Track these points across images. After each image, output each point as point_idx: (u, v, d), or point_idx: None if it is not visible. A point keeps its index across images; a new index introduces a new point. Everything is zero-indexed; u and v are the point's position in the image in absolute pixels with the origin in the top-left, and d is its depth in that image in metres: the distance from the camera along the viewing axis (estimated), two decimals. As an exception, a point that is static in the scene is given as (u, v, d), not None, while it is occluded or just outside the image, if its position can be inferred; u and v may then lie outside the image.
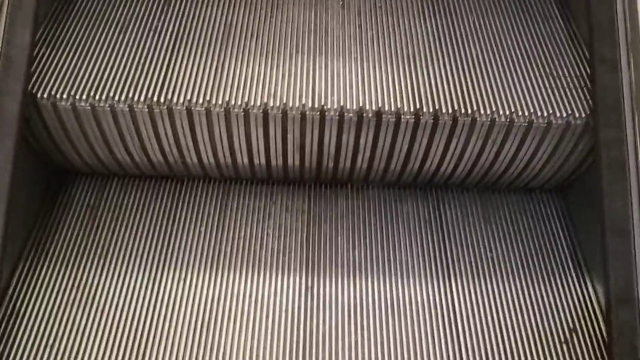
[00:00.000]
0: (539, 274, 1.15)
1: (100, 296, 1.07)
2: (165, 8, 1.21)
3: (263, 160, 1.16)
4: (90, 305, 1.06)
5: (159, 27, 1.17)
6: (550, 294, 1.12)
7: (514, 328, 1.07)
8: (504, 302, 1.10)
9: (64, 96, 1.03)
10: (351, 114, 1.05)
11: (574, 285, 1.13)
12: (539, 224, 1.23)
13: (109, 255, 1.13)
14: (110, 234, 1.16)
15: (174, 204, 1.22)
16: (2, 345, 1.00)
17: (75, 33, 1.15)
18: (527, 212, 1.24)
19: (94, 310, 1.05)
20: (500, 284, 1.13)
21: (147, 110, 1.03)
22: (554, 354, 1.04)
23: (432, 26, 1.22)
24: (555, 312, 1.09)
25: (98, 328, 1.03)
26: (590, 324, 1.08)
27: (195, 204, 1.22)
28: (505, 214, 1.24)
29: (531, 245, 1.19)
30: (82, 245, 1.14)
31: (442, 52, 1.17)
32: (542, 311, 1.09)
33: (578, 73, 1.13)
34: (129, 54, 1.11)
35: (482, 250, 1.17)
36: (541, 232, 1.21)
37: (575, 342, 1.06)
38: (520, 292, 1.12)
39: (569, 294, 1.12)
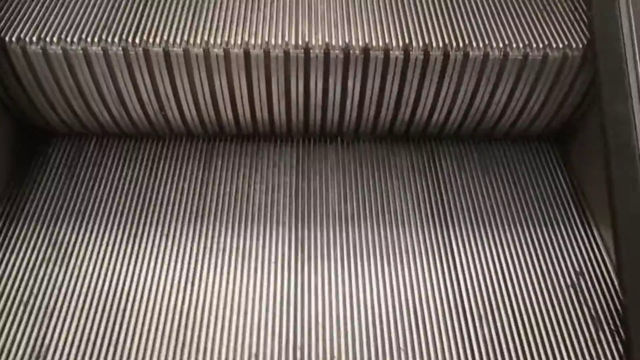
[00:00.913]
0: (541, 219, 1.09)
1: (79, 253, 1.02)
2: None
3: (247, 110, 1.11)
4: (67, 262, 1.00)
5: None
6: (554, 239, 1.06)
7: (517, 274, 1.01)
8: (506, 249, 1.05)
9: (34, 39, 0.98)
10: (337, 51, 0.99)
11: (578, 229, 1.08)
12: (539, 171, 1.18)
13: (87, 213, 1.07)
14: (88, 191, 1.11)
15: (155, 161, 1.17)
16: (-26, 302, 0.94)
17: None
18: (526, 161, 1.19)
19: (71, 267, 1.00)
20: (502, 231, 1.07)
21: (121, 52, 0.98)
22: (560, 299, 0.98)
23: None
24: (560, 257, 1.04)
25: (76, 285, 0.97)
26: (597, 266, 1.03)
27: (178, 161, 1.17)
28: (504, 162, 1.19)
29: (532, 193, 1.14)
30: (59, 203, 1.09)
31: (431, -11, 1.11)
32: (546, 256, 1.04)
33: (573, 7, 1.08)
34: (103, -2, 1.06)
35: (480, 198, 1.12)
36: (542, 179, 1.16)
37: (583, 285, 1.00)
38: (522, 238, 1.06)
39: (573, 238, 1.07)
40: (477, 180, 1.15)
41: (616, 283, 0.99)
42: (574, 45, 1.01)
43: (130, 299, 0.96)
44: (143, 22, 1.02)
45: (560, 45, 1.01)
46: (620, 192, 0.92)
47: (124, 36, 0.99)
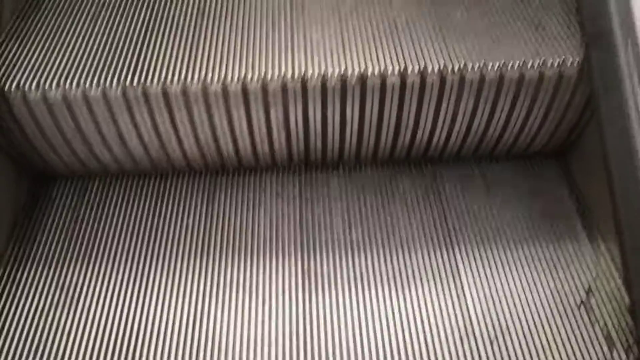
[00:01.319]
0: (547, 237, 1.09)
1: (86, 296, 1.01)
2: (136, -4, 1.18)
3: (248, 144, 1.11)
4: (75, 306, 1.00)
5: (130, 13, 1.13)
6: (561, 257, 1.06)
7: (526, 294, 1.01)
8: (513, 269, 1.04)
9: (33, 86, 0.98)
10: (334, 81, 1.00)
11: (585, 246, 1.08)
12: (543, 189, 1.17)
13: (93, 254, 1.07)
14: (93, 233, 1.11)
15: (159, 198, 1.17)
16: (-17, 351, 0.94)
17: (44, 26, 1.11)
18: (529, 178, 1.19)
19: (79, 310, 0.99)
20: (508, 251, 1.07)
21: (121, 94, 0.99)
22: (571, 318, 0.98)
23: (411, -7, 1.18)
24: (568, 275, 1.03)
25: (84, 329, 0.97)
26: (607, 283, 1.02)
27: (181, 199, 1.17)
28: (507, 182, 1.19)
29: (537, 211, 1.13)
30: (65, 246, 1.09)
31: (425, 16, 1.12)
32: (554, 274, 1.03)
33: (567, 20, 1.09)
34: (101, 40, 1.07)
35: (484, 218, 1.12)
36: (546, 197, 1.16)
37: (593, 303, 0.99)
38: (529, 257, 1.06)
39: (580, 255, 1.06)
40: (481, 200, 1.15)
41: (627, 299, 0.98)
42: (569, 62, 1.01)
43: (140, 339, 0.96)
44: (141, 61, 1.02)
45: (556, 63, 1.01)
46: (625, 206, 0.91)
47: (122, 77, 0.99)
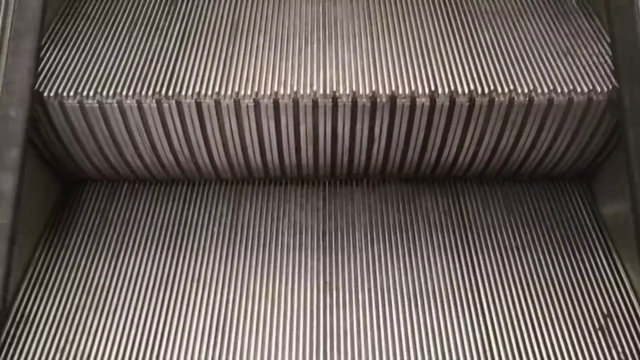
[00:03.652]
0: (567, 261, 1.10)
1: (112, 299, 1.04)
2: (172, 8, 1.20)
3: (276, 156, 1.13)
4: (102, 308, 1.03)
5: (165, 27, 1.15)
6: (580, 280, 1.07)
7: (545, 317, 1.01)
8: (532, 291, 1.05)
9: (71, 94, 1.01)
10: (364, 100, 1.02)
11: (605, 271, 1.08)
12: (564, 212, 1.18)
13: (120, 258, 1.10)
14: (121, 236, 1.13)
15: (186, 206, 1.19)
16: (12, 350, 0.97)
17: (82, 34, 1.14)
18: (550, 201, 1.20)
19: (105, 313, 1.02)
20: (527, 273, 1.08)
21: (155, 105, 1.01)
22: (589, 342, 0.98)
23: (442, 13, 1.20)
24: (587, 298, 1.04)
25: (110, 331, 1.00)
26: (625, 309, 1.02)
27: (207, 206, 1.19)
28: (529, 203, 1.20)
29: (557, 234, 1.14)
30: (93, 249, 1.11)
31: (455, 37, 1.14)
32: (573, 298, 1.04)
33: (597, 50, 1.10)
34: (136, 52, 1.10)
35: (505, 239, 1.13)
36: (567, 219, 1.17)
37: (611, 328, 1.00)
38: (549, 279, 1.07)
39: (600, 279, 1.07)
40: (502, 221, 1.16)
41: None
42: (598, 90, 1.02)
43: (164, 344, 0.98)
44: (175, 74, 1.05)
45: (585, 90, 1.02)
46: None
47: (157, 89, 1.02)
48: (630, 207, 0.96)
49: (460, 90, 1.02)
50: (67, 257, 1.10)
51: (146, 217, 1.17)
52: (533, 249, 1.11)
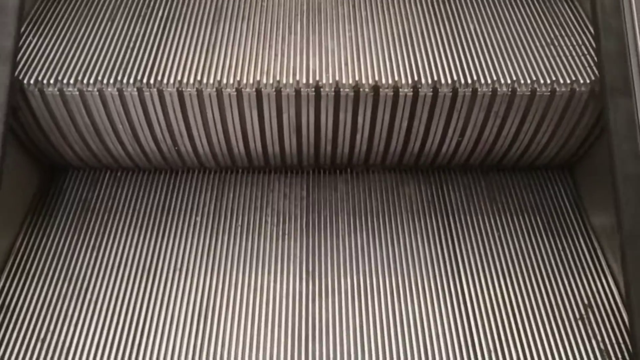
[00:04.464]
0: (549, 250, 1.10)
1: (94, 288, 1.03)
2: (154, -5, 1.19)
3: (259, 146, 1.13)
4: (83, 297, 1.02)
5: (147, 14, 1.15)
6: (562, 271, 1.07)
7: (526, 306, 1.02)
8: (514, 280, 1.06)
9: (51, 82, 1.00)
10: (347, 89, 1.01)
11: (587, 260, 1.09)
12: (546, 201, 1.19)
13: (102, 247, 1.09)
14: (102, 225, 1.13)
15: (168, 195, 1.18)
16: (-7, 340, 0.96)
17: (63, 22, 1.13)
18: (533, 190, 1.21)
19: (87, 302, 1.02)
20: (510, 262, 1.08)
21: (136, 93, 1.00)
22: (569, 332, 0.99)
23: (426, 3, 1.19)
24: (568, 289, 1.05)
25: (92, 320, 0.99)
26: (605, 298, 1.03)
27: (190, 195, 1.19)
28: (511, 192, 1.20)
29: (539, 223, 1.15)
30: (75, 238, 1.11)
31: (439, 28, 1.14)
32: (555, 288, 1.05)
33: (580, 41, 1.10)
34: (118, 40, 1.09)
35: (488, 229, 1.13)
36: (549, 209, 1.17)
37: (591, 317, 1.01)
38: (530, 269, 1.07)
39: (581, 269, 1.08)
40: (485, 211, 1.17)
41: (625, 315, 1.00)
42: (581, 81, 1.03)
43: (145, 332, 0.98)
44: (157, 62, 1.04)
45: (568, 81, 1.02)
46: (629, 223, 0.93)
47: (139, 77, 1.01)
48: (612, 197, 0.96)
49: (443, 81, 1.02)
50: (48, 246, 1.09)
51: (129, 206, 1.16)
52: (515, 238, 1.12)
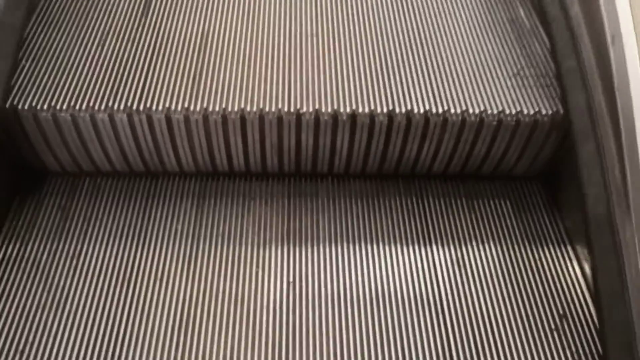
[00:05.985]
0: (526, 260, 1.14)
1: (73, 298, 1.05)
2: (143, 20, 1.22)
3: (242, 162, 1.19)
4: (62, 308, 1.03)
5: (137, 39, 1.18)
6: (538, 281, 1.11)
7: (503, 317, 1.06)
8: (492, 291, 1.09)
9: (45, 107, 1.04)
10: (326, 117, 1.07)
11: (562, 270, 1.13)
12: (523, 210, 1.23)
13: (81, 256, 1.10)
14: (82, 234, 1.14)
15: (149, 202, 1.20)
16: (-31, 352, 0.98)
17: (55, 45, 1.16)
18: (511, 200, 1.25)
19: (66, 312, 1.03)
20: (487, 272, 1.12)
21: (126, 118, 1.05)
22: (544, 342, 1.03)
23: (402, 30, 1.25)
24: (544, 299, 1.08)
25: (71, 331, 1.01)
26: (580, 309, 1.07)
27: (171, 202, 1.20)
28: (490, 202, 1.24)
29: (517, 232, 1.19)
30: (54, 247, 1.12)
31: (414, 55, 1.19)
32: (531, 298, 1.08)
33: (544, 72, 1.16)
34: (108, 65, 1.13)
35: (467, 237, 1.17)
36: (526, 218, 1.21)
37: (566, 328, 1.05)
38: (507, 279, 1.11)
39: (557, 278, 1.11)
40: (464, 221, 1.20)
41: (598, 325, 1.04)
42: (543, 112, 1.10)
43: (125, 343, 1.00)
44: (147, 88, 1.09)
45: (532, 112, 1.09)
46: (594, 226, 1.00)
47: (128, 103, 1.06)
48: (581, 209, 1.03)
49: (416, 110, 1.08)
50: (26, 255, 1.10)
51: (108, 213, 1.17)
52: (494, 248, 1.16)
